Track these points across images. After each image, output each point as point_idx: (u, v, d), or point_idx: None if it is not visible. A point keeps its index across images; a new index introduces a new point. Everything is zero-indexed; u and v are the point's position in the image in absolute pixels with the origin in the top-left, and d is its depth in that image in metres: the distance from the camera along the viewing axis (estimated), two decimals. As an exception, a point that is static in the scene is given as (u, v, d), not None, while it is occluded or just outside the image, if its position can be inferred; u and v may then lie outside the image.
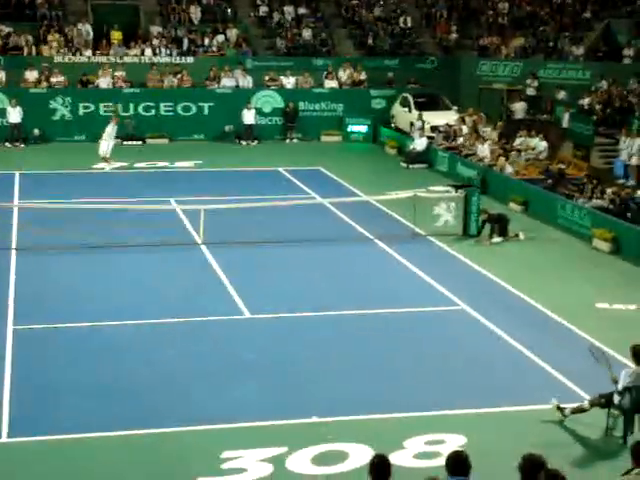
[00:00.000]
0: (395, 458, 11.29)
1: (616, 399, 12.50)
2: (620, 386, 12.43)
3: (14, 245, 21.33)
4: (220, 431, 12.70)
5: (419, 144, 32.42)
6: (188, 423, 12.84)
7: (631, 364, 12.74)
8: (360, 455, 11.70)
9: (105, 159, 30.78)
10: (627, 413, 12.53)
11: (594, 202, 24.05)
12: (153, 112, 36.06)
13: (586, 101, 33.30)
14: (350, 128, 37.19)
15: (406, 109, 36.46)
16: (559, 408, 13.06)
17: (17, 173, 29.45)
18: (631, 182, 27.59)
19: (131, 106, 35.77)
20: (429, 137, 33.15)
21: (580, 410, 12.88)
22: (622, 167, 28.66)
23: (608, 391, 12.64)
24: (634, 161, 28.20)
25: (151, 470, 11.61)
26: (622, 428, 12.55)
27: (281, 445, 12.18)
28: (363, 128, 37.16)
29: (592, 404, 12.81)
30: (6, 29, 37.61)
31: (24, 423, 12.71)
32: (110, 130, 30.86)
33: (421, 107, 35.61)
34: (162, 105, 36.14)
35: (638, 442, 8.77)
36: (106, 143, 30.77)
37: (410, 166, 31.84)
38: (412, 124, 34.91)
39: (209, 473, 11.53)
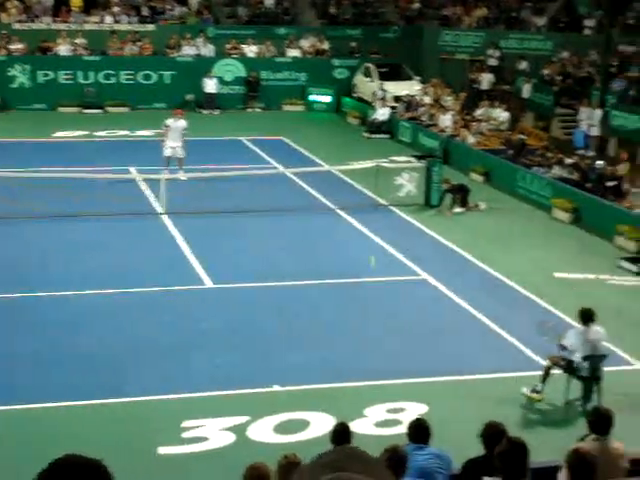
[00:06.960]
0: (356, 426, 11.35)
1: (577, 361, 12.56)
2: (567, 343, 12.57)
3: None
4: (180, 400, 12.70)
5: (381, 114, 32.39)
6: (148, 393, 12.84)
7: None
8: (321, 423, 11.76)
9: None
10: (586, 381, 12.70)
11: (554, 172, 24.22)
12: (114, 80, 35.64)
13: (547, 72, 33.45)
14: (312, 98, 37.05)
15: (369, 79, 36.36)
16: (534, 393, 12.87)
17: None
18: (591, 152, 27.78)
19: (91, 74, 35.33)
20: (391, 107, 33.12)
21: (546, 374, 12.87)
22: (582, 138, 28.86)
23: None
24: (594, 132, 28.41)
25: (112, 440, 11.53)
26: (581, 396, 12.73)
27: (243, 414, 12.22)
28: (325, 98, 37.01)
29: (553, 362, 12.84)
30: (-38, -5, 36.99)
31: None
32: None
33: (383, 77, 35.56)
34: (123, 73, 35.73)
35: (594, 409, 8.90)
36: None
37: (372, 136, 31.80)
38: (374, 94, 34.86)
39: (170, 442, 11.54)
